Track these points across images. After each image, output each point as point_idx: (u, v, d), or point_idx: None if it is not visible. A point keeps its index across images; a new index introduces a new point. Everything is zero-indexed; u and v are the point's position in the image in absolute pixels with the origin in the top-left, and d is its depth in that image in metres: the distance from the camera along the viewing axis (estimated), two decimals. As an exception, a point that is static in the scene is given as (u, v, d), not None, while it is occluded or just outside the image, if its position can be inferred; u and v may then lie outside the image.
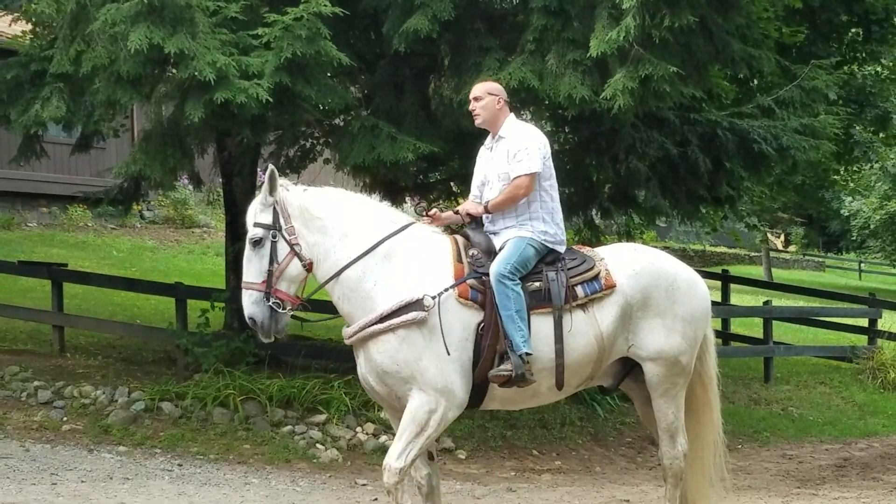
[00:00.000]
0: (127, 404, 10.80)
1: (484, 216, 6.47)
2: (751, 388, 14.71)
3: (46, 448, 9.52)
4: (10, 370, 11.16)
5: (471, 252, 6.25)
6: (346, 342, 6.30)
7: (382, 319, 6.01)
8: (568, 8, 9.75)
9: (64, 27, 9.65)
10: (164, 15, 8.93)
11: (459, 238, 6.41)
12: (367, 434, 10.79)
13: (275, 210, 6.10)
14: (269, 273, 6.03)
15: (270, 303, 6.03)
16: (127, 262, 18.74)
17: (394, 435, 8.55)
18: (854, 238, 35.32)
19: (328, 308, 6.86)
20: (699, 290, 6.73)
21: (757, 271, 33.14)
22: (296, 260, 6.11)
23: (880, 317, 17.15)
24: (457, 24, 10.13)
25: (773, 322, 16.14)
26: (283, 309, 6.07)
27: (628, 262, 6.49)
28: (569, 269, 6.32)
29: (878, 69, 17.15)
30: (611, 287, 6.35)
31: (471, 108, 6.68)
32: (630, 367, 6.68)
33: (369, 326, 6.05)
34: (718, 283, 18.02)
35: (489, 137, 6.63)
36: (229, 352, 11.65)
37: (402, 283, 6.09)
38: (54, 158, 16.38)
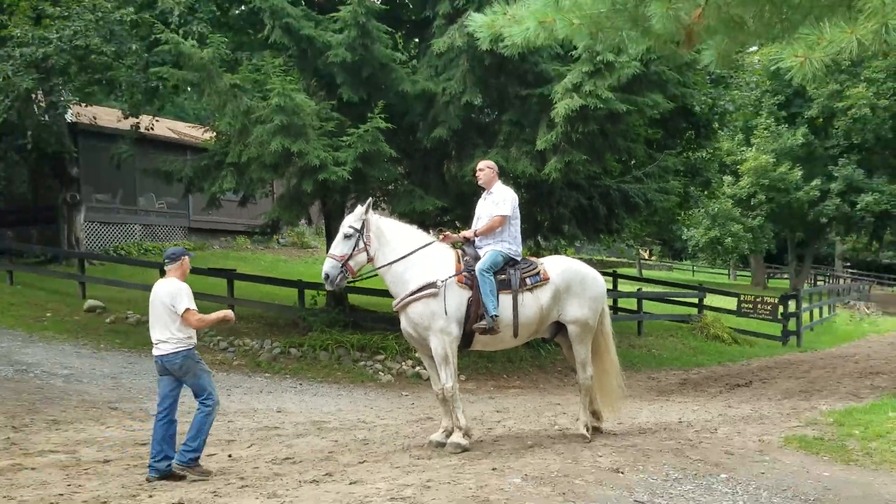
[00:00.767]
0: (270, 349, 11.10)
1: (475, 238, 6.39)
2: (630, 339, 14.99)
3: (224, 375, 9.79)
4: (203, 329, 11.14)
5: (465, 258, 6.22)
6: (394, 310, 6.28)
7: (413, 294, 5.98)
8: (523, 122, 10.47)
9: (234, 136, 10.22)
10: (290, 130, 9.56)
11: (459, 250, 6.39)
12: (407, 366, 10.88)
13: (363, 222, 6.04)
14: (348, 256, 5.95)
15: (341, 268, 5.97)
16: (270, 268, 18.91)
17: (423, 367, 8.46)
18: (690, 252, 35.72)
19: (370, 292, 5.87)
20: (599, 282, 6.73)
21: (633, 271, 33.05)
22: (364, 253, 6.04)
23: (705, 297, 17.49)
24: (461, 132, 10.78)
25: (643, 301, 16.29)
26: (345, 275, 6.04)
27: (557, 265, 6.52)
28: (522, 269, 6.27)
29: (704, 154, 17.33)
30: (547, 279, 6.29)
31: (476, 175, 6.63)
32: (560, 327, 6.61)
33: (407, 298, 6.04)
34: (611, 278, 18.15)
35: (485, 192, 6.53)
36: (329, 319, 12.19)
37: (425, 273, 6.04)
38: (228, 209, 17.24)
